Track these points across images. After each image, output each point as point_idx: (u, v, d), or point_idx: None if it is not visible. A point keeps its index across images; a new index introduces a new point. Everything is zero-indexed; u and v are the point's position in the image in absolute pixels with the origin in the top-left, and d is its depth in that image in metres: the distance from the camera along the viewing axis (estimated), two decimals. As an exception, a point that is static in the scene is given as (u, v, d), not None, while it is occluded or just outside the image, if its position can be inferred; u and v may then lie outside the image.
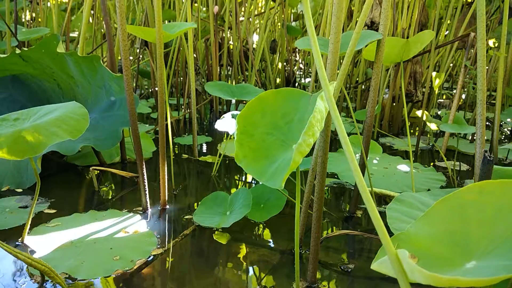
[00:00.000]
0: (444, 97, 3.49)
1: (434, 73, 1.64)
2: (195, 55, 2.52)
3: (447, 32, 2.53)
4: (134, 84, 2.65)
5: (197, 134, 1.86)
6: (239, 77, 2.77)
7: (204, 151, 1.69)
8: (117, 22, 1.06)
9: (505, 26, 1.64)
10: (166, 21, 2.81)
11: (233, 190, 1.29)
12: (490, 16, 2.49)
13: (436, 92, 1.90)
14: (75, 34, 3.08)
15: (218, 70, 2.25)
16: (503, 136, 2.11)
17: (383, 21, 1.02)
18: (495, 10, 2.51)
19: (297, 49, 4.42)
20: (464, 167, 1.58)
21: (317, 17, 3.74)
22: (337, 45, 0.76)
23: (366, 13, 0.92)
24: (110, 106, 1.38)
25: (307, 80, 4.04)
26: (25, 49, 1.32)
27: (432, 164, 1.64)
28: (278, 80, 3.61)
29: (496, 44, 1.97)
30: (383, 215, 1.10)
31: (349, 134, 2.07)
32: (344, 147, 0.40)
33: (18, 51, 1.34)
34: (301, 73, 4.45)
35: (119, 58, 1.96)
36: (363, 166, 1.10)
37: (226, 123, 1.24)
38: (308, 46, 1.05)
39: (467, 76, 2.50)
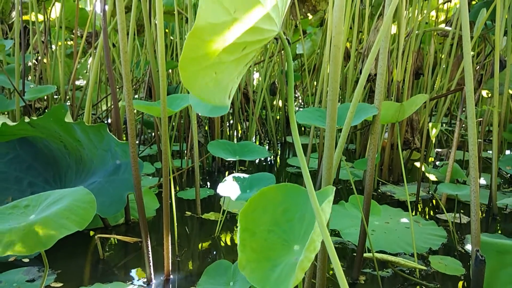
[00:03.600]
0: (443, 128, 3.53)
1: (430, 124, 1.68)
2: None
3: (444, 66, 2.58)
4: (138, 131, 2.71)
5: (200, 186, 1.88)
6: (241, 117, 2.84)
7: (207, 205, 1.71)
8: (121, 71, 1.10)
9: (496, 79, 1.70)
10: (169, 70, 2.90)
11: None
12: (485, 58, 2.57)
13: (433, 141, 1.95)
14: (80, 82, 3.17)
15: (220, 121, 2.31)
16: (503, 180, 2.13)
17: (377, 95, 1.07)
18: (488, 53, 2.59)
19: (297, 87, 4.51)
20: (465, 219, 1.60)
21: (315, 56, 3.84)
22: (333, 124, 0.80)
23: (359, 94, 0.96)
24: (115, 170, 1.42)
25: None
26: (34, 118, 1.37)
27: (433, 213, 1.66)
28: (278, 117, 3.68)
29: (490, 95, 2.02)
30: (385, 281, 1.11)
31: (349, 185, 2.09)
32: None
33: (27, 119, 1.39)
34: (302, 109, 4.53)
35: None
36: (364, 234, 1.12)
37: (228, 188, 1.27)
38: (307, 119, 1.10)
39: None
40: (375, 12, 3.33)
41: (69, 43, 3.86)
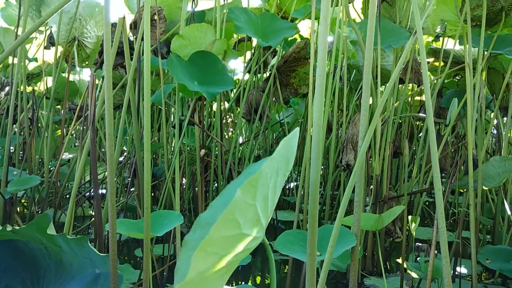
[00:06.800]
0: (423, 199, 3.58)
1: (410, 217, 1.73)
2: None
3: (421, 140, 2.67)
4: (120, 208, 2.68)
5: (182, 280, 1.85)
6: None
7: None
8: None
9: (470, 178, 1.78)
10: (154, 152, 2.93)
11: None
12: (462, 139, 2.69)
13: (414, 234, 1.99)
14: (66, 156, 3.17)
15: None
16: (484, 268, 2.15)
17: (356, 224, 1.11)
18: (462, 136, 2.72)
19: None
20: (448, 321, 1.60)
21: (297, 125, 3.96)
22: (313, 249, 0.82)
23: (339, 226, 1.00)
24: (94, 280, 1.39)
25: (292, 184, 4.13)
26: (16, 227, 1.36)
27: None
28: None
29: (465, 190, 2.11)
30: None
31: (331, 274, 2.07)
32: None
33: (9, 227, 1.38)
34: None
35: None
36: None
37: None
38: (289, 247, 1.12)
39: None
40: (355, 87, 3.51)
41: (57, 106, 3.89)
